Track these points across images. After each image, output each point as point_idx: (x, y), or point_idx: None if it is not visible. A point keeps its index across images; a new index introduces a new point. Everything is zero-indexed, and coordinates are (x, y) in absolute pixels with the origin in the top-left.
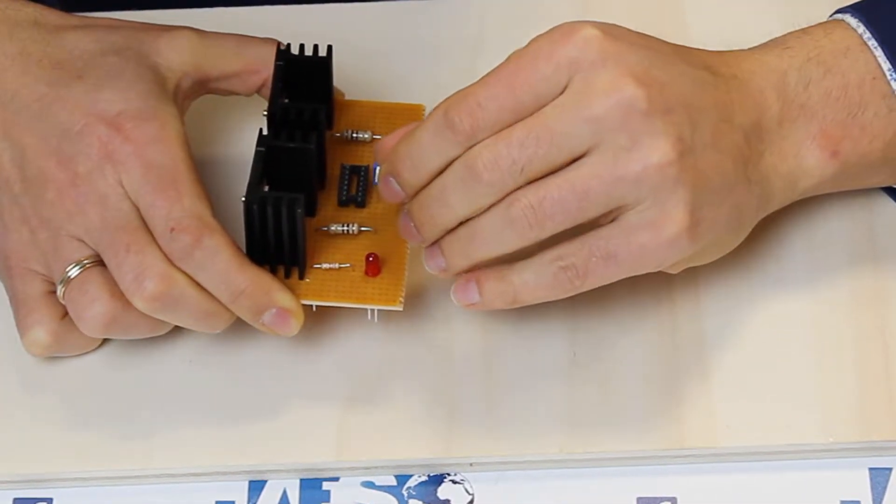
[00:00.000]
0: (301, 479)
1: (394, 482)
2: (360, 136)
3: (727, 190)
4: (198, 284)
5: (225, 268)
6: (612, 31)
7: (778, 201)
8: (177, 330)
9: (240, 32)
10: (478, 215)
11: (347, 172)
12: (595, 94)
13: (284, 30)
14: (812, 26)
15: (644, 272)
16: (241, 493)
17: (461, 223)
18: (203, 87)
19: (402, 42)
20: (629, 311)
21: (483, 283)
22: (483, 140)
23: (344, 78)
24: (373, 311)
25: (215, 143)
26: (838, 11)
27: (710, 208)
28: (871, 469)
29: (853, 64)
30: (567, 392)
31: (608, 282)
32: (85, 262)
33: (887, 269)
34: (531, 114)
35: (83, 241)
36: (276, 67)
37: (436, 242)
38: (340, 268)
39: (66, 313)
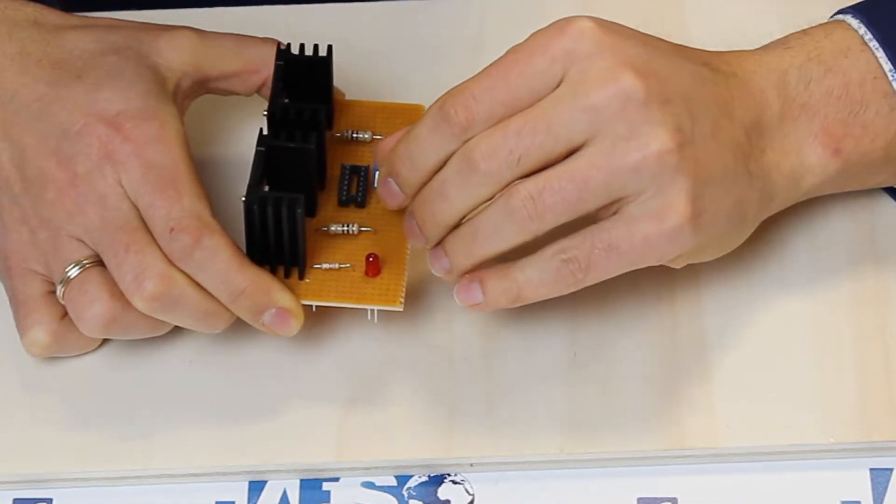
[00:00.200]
0: (301, 480)
1: (394, 482)
2: (361, 136)
3: (728, 182)
4: (197, 284)
5: (225, 268)
6: (608, 24)
7: (781, 200)
8: (177, 330)
9: (240, 32)
10: (479, 213)
11: (347, 172)
12: (592, 84)
13: (284, 30)
14: (812, 27)
15: (647, 264)
16: (241, 494)
17: (464, 222)
18: (203, 86)
19: (402, 42)
20: (630, 312)
21: (486, 282)
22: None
23: (344, 78)
24: (373, 311)
25: (215, 143)
26: (839, 12)
27: (712, 200)
28: (871, 469)
29: (854, 63)
30: (567, 392)
31: (611, 275)
32: (84, 262)
33: (888, 269)
34: (527, 107)
35: (83, 241)
36: (276, 67)
37: (439, 244)
38: (340, 268)
39: (65, 313)
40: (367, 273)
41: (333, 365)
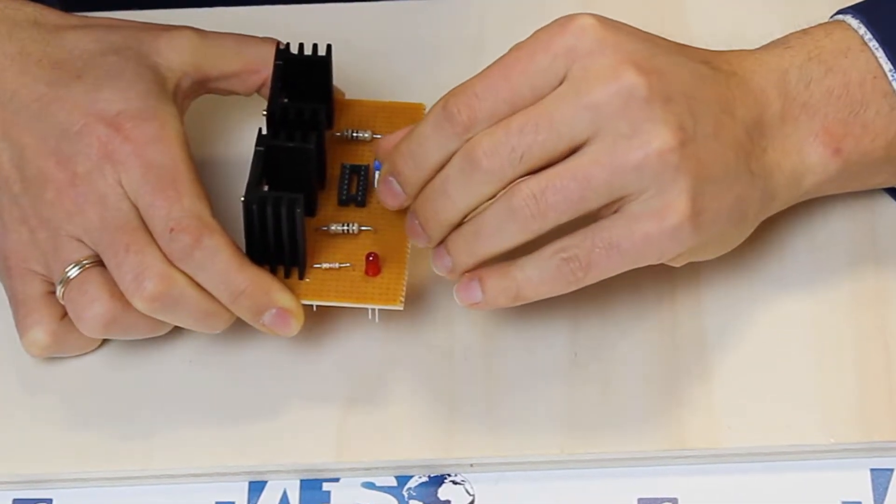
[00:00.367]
0: (301, 480)
1: (394, 483)
2: (361, 135)
3: (730, 181)
4: (197, 284)
5: (224, 268)
6: (609, 21)
7: (782, 199)
8: (177, 330)
9: (240, 32)
10: (481, 212)
11: (347, 172)
12: (594, 82)
13: (285, 30)
14: (812, 27)
15: (647, 263)
16: (241, 494)
17: (466, 221)
18: (203, 86)
19: (403, 42)
20: (630, 312)
21: (485, 281)
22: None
23: (344, 78)
24: (373, 310)
25: (215, 143)
26: (839, 12)
27: (713, 198)
28: (872, 470)
29: (854, 63)
30: (568, 392)
31: (612, 273)
32: (84, 262)
33: (888, 269)
34: (530, 104)
35: (82, 242)
36: (276, 67)
37: (442, 243)
38: (340, 267)
39: (65, 314)
40: (367, 272)
41: (333, 365)
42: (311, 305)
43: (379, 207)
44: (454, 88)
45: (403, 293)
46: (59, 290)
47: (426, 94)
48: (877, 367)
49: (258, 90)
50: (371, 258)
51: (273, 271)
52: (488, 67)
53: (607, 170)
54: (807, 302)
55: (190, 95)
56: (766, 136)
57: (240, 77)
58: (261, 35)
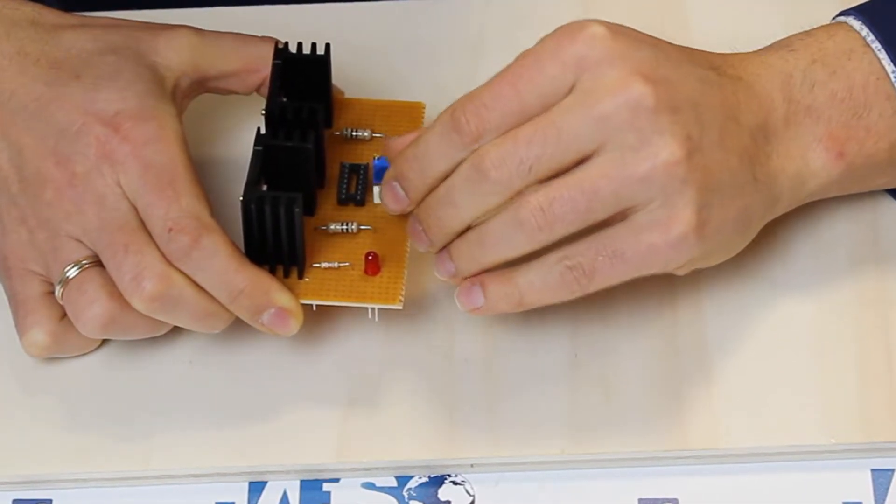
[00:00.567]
0: (301, 481)
1: (394, 483)
2: (360, 134)
3: (735, 190)
4: (196, 284)
5: (223, 268)
6: (618, 29)
7: (785, 203)
8: (176, 330)
9: (239, 32)
10: (486, 219)
11: (347, 171)
12: (603, 93)
13: (284, 30)
14: (815, 28)
15: (651, 272)
16: (241, 495)
17: (470, 228)
18: (201, 86)
19: (403, 42)
20: (631, 312)
21: (487, 286)
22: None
23: (344, 78)
24: (373, 309)
25: (214, 143)
26: (841, 14)
27: (718, 209)
28: (873, 470)
29: (857, 66)
30: (568, 393)
31: (615, 282)
32: (83, 262)
33: (890, 270)
34: (538, 114)
35: (81, 242)
36: (274, 66)
37: (445, 248)
38: (340, 267)
39: (64, 314)
40: (366, 271)
41: (333, 365)
42: (311, 305)
43: (378, 206)
44: (462, 97)
45: (403, 292)
46: (58, 291)
47: (426, 93)
48: (878, 368)
49: (257, 89)
50: (370, 257)
51: (272, 271)
52: (497, 76)
53: (615, 182)
54: (808, 302)
55: (189, 95)
56: (770, 141)
57: (239, 76)
58: (260, 35)
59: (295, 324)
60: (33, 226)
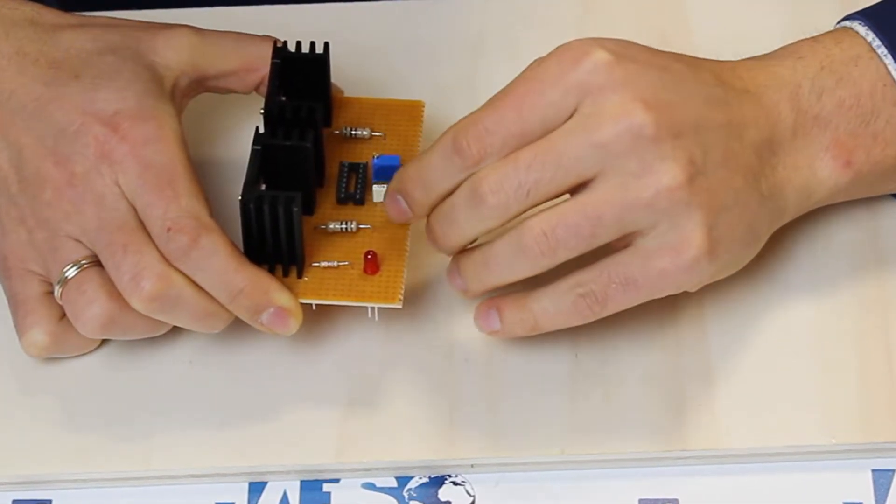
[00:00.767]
0: (301, 481)
1: (394, 483)
2: (359, 133)
3: (742, 208)
4: (195, 284)
5: (222, 267)
6: (621, 52)
7: (792, 212)
8: (176, 330)
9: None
10: (491, 241)
11: (346, 170)
12: (603, 120)
13: (284, 29)
14: (822, 34)
15: (664, 295)
16: (241, 495)
17: (477, 246)
18: (201, 85)
19: (403, 41)
20: (631, 312)
21: (503, 311)
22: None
23: (344, 78)
24: (373, 308)
25: (213, 143)
26: (846, 18)
27: (727, 228)
28: (873, 471)
29: (864, 72)
30: (568, 393)
31: (628, 307)
32: (82, 262)
33: (890, 271)
34: (539, 137)
35: (80, 242)
36: (273, 65)
37: (455, 264)
38: (339, 266)
39: (64, 314)
40: (365, 271)
41: (333, 365)
42: (311, 304)
43: (378, 206)
44: (463, 120)
45: (402, 291)
46: (58, 291)
47: (425, 93)
48: (878, 368)
49: (256, 88)
50: (370, 256)
51: (271, 270)
52: (498, 98)
53: (618, 208)
54: (808, 303)
55: (188, 94)
56: (776, 153)
57: (238, 75)
58: (260, 34)
59: (294, 323)
60: (32, 226)
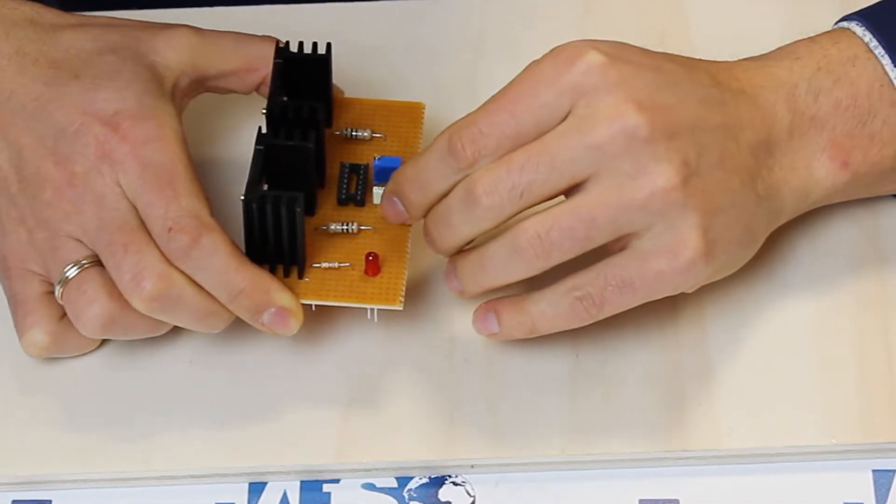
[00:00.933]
0: (301, 481)
1: (395, 484)
2: (360, 134)
3: (738, 209)
4: (196, 284)
5: (223, 267)
6: (616, 54)
7: (789, 213)
8: (176, 330)
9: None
10: (486, 242)
11: (347, 171)
12: (597, 121)
13: (284, 29)
14: (819, 35)
15: (661, 296)
16: (241, 495)
17: (473, 247)
18: (201, 85)
19: (403, 41)
20: (631, 313)
21: (501, 314)
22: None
23: (344, 78)
24: (373, 310)
25: (214, 142)
26: (844, 19)
27: (722, 229)
28: (874, 471)
29: (861, 72)
30: (569, 393)
31: (625, 309)
32: (83, 262)
33: (890, 271)
34: (533, 139)
35: (81, 242)
36: (275, 65)
37: (452, 265)
38: (340, 267)
39: (64, 314)
40: (366, 272)
41: (333, 365)
42: (311, 305)
43: (378, 207)
44: (458, 122)
45: (403, 293)
46: (58, 291)
47: (426, 93)
48: (879, 368)
49: (257, 89)
50: (371, 258)
51: (272, 270)
52: (493, 100)
53: (613, 210)
54: (808, 303)
55: (188, 94)
56: (773, 154)
57: (238, 75)
58: (260, 34)
59: (295, 323)
60: (32, 226)
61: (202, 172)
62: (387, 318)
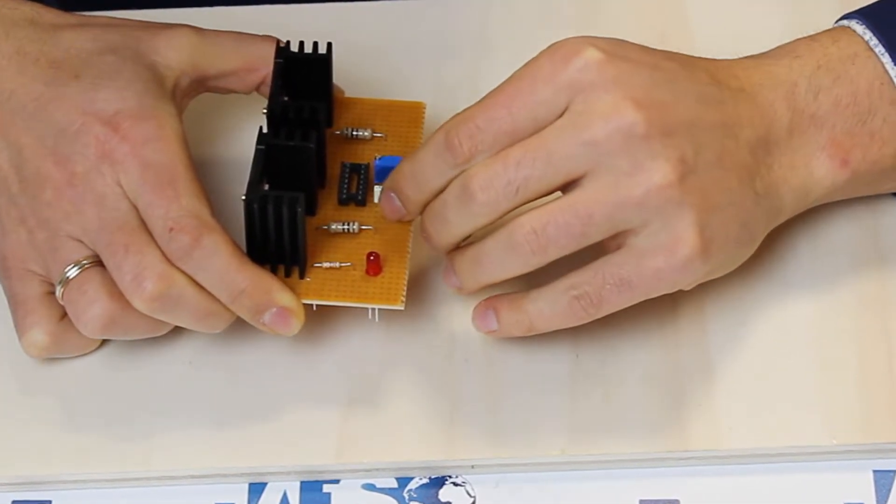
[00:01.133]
0: (301, 482)
1: (395, 484)
2: (360, 133)
3: (736, 207)
4: (197, 284)
5: (224, 267)
6: (614, 51)
7: (789, 211)
8: (176, 331)
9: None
10: (482, 238)
11: (347, 171)
12: (594, 118)
13: (284, 29)
14: (819, 33)
15: (659, 294)
16: (241, 496)
17: (470, 244)
18: (201, 85)
19: (405, 41)
20: (632, 313)
21: (500, 312)
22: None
23: (345, 77)
24: (373, 310)
25: (215, 142)
26: (844, 17)
27: (720, 227)
28: (875, 471)
29: (861, 70)
30: (569, 394)
31: (623, 307)
32: (84, 262)
33: (891, 270)
34: (530, 135)
35: (81, 242)
36: (276, 65)
37: (450, 262)
38: (341, 267)
39: (64, 314)
40: (367, 272)
41: (334, 366)
42: (312, 305)
43: (379, 207)
44: (455, 117)
45: (404, 293)
46: (59, 291)
47: (427, 93)
48: (879, 369)
49: (257, 88)
50: (372, 258)
51: (273, 270)
52: (490, 96)
53: (609, 206)
54: (809, 303)
55: (188, 94)
56: (772, 153)
57: (238, 75)
58: (260, 34)
59: (297, 323)
60: (33, 226)
61: (203, 172)
62: (387, 318)
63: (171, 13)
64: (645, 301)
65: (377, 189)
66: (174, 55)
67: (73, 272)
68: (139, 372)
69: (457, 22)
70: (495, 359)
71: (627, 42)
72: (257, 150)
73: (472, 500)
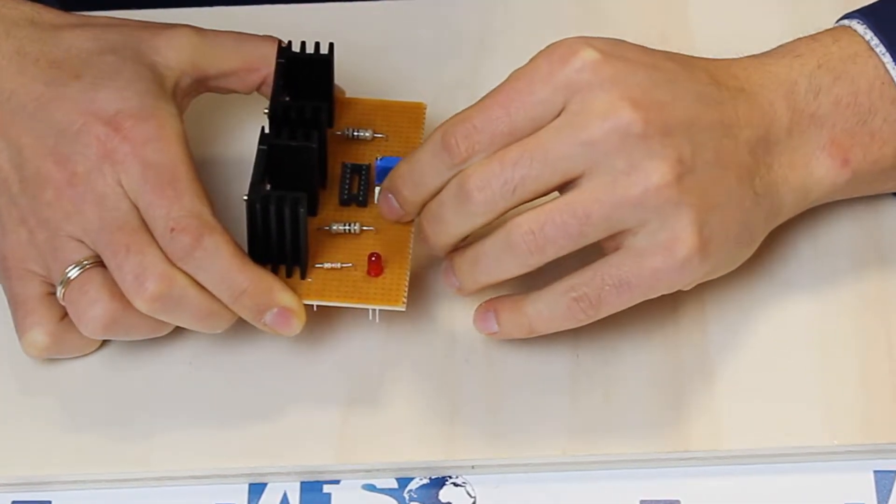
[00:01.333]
0: (301, 482)
1: (395, 485)
2: (361, 134)
3: (735, 207)
4: (198, 284)
5: (226, 267)
6: (612, 51)
7: (789, 211)
8: (177, 331)
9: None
10: (481, 239)
11: (349, 171)
12: (591, 118)
13: (285, 29)
14: (820, 32)
15: (658, 294)
16: (241, 496)
17: (468, 245)
18: (202, 85)
19: (405, 41)
20: (632, 313)
21: (500, 314)
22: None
23: (346, 77)
24: (374, 311)
25: (216, 142)
26: (845, 17)
27: (718, 226)
28: (876, 472)
29: (862, 70)
30: (570, 394)
31: (622, 308)
32: (84, 262)
33: (892, 270)
34: (527, 135)
35: (82, 242)
36: (278, 65)
37: (449, 263)
38: (342, 267)
39: (64, 314)
40: (369, 272)
41: (334, 366)
42: (312, 305)
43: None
44: (453, 118)
45: (405, 294)
46: (60, 291)
47: (427, 93)
48: (880, 369)
49: (258, 88)
50: (373, 258)
51: (275, 271)
52: (488, 96)
53: (606, 206)
54: (810, 303)
55: (189, 94)
56: (771, 152)
57: (239, 75)
58: (260, 34)
59: (298, 324)
60: (33, 226)
61: (204, 172)
62: (387, 319)
63: (171, 13)
64: (645, 301)
65: (378, 190)
66: (174, 55)
67: (74, 272)
68: (139, 372)
69: (457, 22)
70: (495, 359)
71: (625, 42)
72: (259, 151)
73: (472, 500)
